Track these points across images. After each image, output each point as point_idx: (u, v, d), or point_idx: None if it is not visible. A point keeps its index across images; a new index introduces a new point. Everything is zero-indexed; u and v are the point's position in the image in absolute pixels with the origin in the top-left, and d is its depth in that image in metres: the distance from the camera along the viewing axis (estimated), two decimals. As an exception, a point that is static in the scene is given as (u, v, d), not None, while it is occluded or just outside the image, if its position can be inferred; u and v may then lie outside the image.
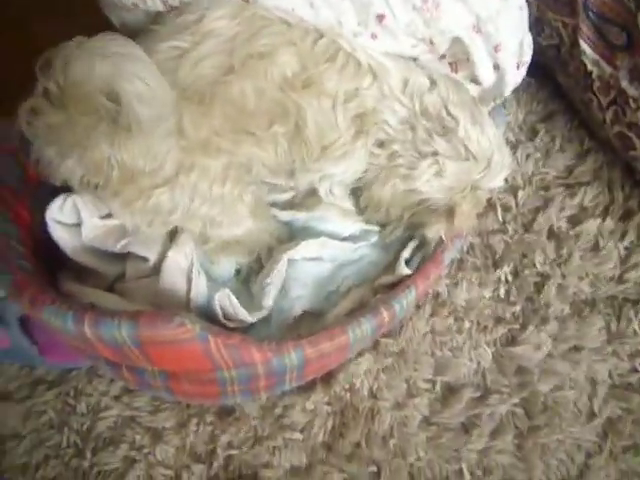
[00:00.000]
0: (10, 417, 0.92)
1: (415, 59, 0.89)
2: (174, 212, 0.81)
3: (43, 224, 0.88)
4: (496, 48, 0.85)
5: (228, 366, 0.76)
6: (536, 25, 1.05)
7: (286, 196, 0.99)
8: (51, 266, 0.89)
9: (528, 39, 0.89)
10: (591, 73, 0.98)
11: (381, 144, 0.87)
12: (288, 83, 0.79)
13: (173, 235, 0.89)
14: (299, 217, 0.96)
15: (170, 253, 0.83)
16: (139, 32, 0.85)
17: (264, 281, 0.87)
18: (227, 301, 0.83)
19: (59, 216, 0.84)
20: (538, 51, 1.10)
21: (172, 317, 0.69)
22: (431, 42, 0.84)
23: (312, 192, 0.97)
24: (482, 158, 0.85)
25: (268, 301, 0.86)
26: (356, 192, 0.95)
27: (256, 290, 0.90)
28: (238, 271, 0.97)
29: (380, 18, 0.81)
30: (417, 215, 0.89)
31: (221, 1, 0.80)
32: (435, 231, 0.88)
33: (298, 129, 0.82)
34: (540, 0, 1.02)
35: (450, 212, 0.86)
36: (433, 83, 0.86)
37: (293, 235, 0.98)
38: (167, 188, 0.78)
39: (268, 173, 0.90)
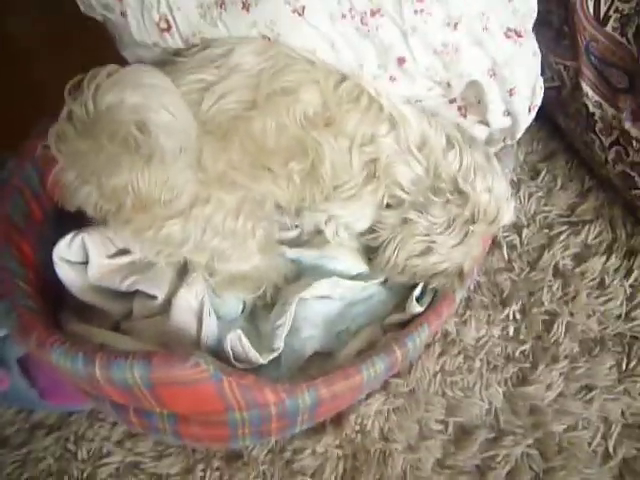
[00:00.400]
0: (6, 464, 0.89)
1: (421, 101, 0.91)
2: (185, 244, 0.80)
3: (47, 262, 0.87)
4: (510, 92, 0.86)
5: (240, 407, 0.74)
6: (536, 68, 1.08)
7: (293, 234, 0.99)
8: (54, 305, 0.87)
9: (540, 83, 0.91)
10: (593, 114, 1.00)
11: (393, 204, 0.88)
12: (310, 121, 0.79)
13: (182, 273, 0.88)
14: (307, 255, 0.95)
15: (181, 291, 0.82)
16: (160, 64, 0.85)
17: (275, 322, 0.86)
18: (238, 342, 0.81)
19: (66, 254, 0.83)
20: (538, 93, 1.13)
21: (187, 357, 0.68)
22: (448, 85, 0.85)
23: (319, 231, 0.97)
24: (491, 217, 0.87)
25: (279, 343, 0.84)
26: (368, 252, 0.95)
27: (266, 330, 0.88)
28: (243, 309, 0.95)
29: (400, 61, 0.81)
30: (432, 278, 0.90)
31: (248, 38, 0.80)
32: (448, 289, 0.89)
33: (314, 167, 0.82)
34: (542, 43, 1.04)
35: (461, 272, 0.88)
36: (449, 143, 0.86)
37: (300, 273, 0.97)
38: (180, 220, 0.77)
39: (278, 210, 0.89)
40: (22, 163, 0.88)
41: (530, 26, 0.86)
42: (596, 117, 1.00)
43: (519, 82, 0.86)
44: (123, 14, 0.83)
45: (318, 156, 0.81)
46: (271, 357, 0.84)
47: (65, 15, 0.92)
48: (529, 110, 0.91)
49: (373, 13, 0.78)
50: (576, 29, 0.96)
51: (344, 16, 0.79)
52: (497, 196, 0.87)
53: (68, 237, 0.82)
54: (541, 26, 1.03)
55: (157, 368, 0.67)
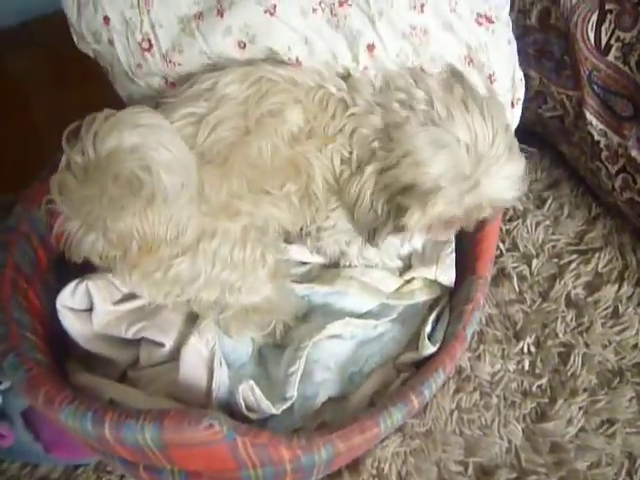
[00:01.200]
0: (11, 523, 0.85)
1: None
2: (195, 281, 0.79)
3: (51, 310, 0.85)
4: (490, 78, 0.85)
5: (254, 465, 0.71)
6: (537, 97, 1.08)
7: (303, 270, 0.97)
8: (59, 354, 0.85)
9: (519, 74, 0.89)
10: (598, 143, 1.00)
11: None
12: (295, 138, 0.80)
13: (190, 319, 0.86)
14: (317, 291, 0.94)
15: (192, 340, 0.80)
16: (145, 102, 0.86)
17: (288, 369, 0.84)
18: (250, 393, 0.79)
19: (70, 302, 0.81)
20: (540, 122, 1.13)
21: (200, 418, 0.65)
22: (422, 70, 0.84)
23: (333, 264, 0.96)
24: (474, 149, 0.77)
25: (292, 391, 0.82)
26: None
27: (277, 375, 0.86)
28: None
29: (370, 48, 0.82)
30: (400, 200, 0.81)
31: (228, 69, 0.82)
32: (413, 219, 0.79)
33: (307, 186, 0.83)
34: (543, 74, 1.04)
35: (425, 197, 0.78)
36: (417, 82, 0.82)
37: (310, 311, 0.95)
38: (187, 256, 0.76)
39: (283, 233, 0.89)
40: (29, 208, 0.87)
41: (504, 14, 0.85)
42: (601, 145, 1.00)
43: (497, 68, 0.84)
44: (110, 41, 0.86)
45: (309, 174, 0.81)
46: (284, 407, 0.81)
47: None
48: (512, 105, 0.89)
49: (341, 3, 0.80)
50: (577, 59, 0.97)
51: (314, 10, 0.80)
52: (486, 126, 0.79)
53: (72, 284, 0.81)
54: (541, 57, 1.05)
55: (169, 430, 0.64)
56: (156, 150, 0.68)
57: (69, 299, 0.81)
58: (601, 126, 0.99)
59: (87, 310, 0.85)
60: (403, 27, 0.81)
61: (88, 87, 1.00)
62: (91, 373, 0.84)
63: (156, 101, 0.86)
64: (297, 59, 0.83)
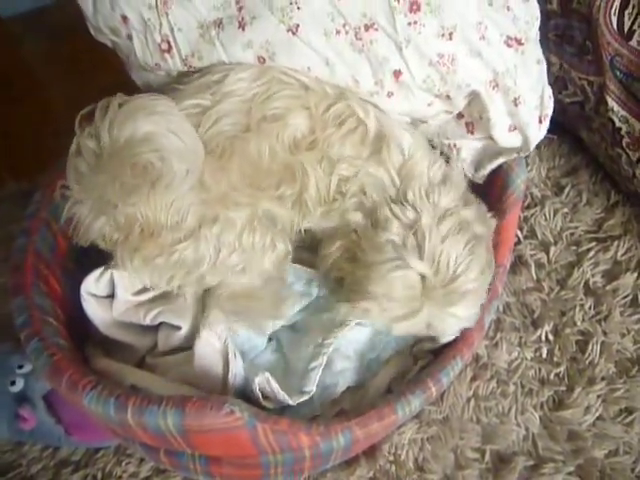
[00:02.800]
0: (33, 504, 0.87)
1: (426, 122, 0.89)
2: (200, 265, 0.79)
3: (70, 296, 0.86)
4: (515, 102, 0.84)
5: (274, 451, 0.72)
6: (558, 83, 1.07)
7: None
8: (79, 339, 0.86)
9: (548, 92, 0.89)
10: (620, 129, 0.98)
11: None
12: (296, 145, 0.80)
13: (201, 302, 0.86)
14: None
15: (203, 334, 0.80)
16: (163, 91, 0.86)
17: (309, 364, 0.83)
18: (267, 384, 0.79)
19: (94, 289, 0.81)
20: (559, 109, 1.11)
21: (221, 404, 0.65)
22: (448, 97, 0.84)
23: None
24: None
25: (312, 386, 0.82)
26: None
27: (297, 367, 0.85)
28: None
29: (396, 75, 0.81)
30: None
31: (243, 64, 0.82)
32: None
33: (300, 192, 0.82)
34: (564, 59, 1.03)
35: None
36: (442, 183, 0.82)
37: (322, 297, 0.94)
38: (190, 242, 0.77)
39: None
40: (48, 194, 0.87)
41: (533, 33, 0.85)
42: (623, 132, 0.98)
43: (524, 91, 0.84)
44: (129, 37, 0.85)
45: (303, 182, 0.81)
46: (301, 400, 0.81)
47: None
48: (539, 121, 0.88)
49: (367, 28, 0.78)
50: (599, 44, 0.95)
51: (338, 32, 0.79)
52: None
53: (97, 272, 0.81)
54: (562, 42, 1.03)
55: (190, 416, 0.65)
56: (167, 137, 0.68)
57: (93, 286, 0.82)
58: (623, 112, 0.97)
59: (108, 297, 0.86)
60: (430, 55, 0.80)
61: (103, 73, 1.00)
62: (110, 358, 0.85)
63: (169, 88, 0.86)
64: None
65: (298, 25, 0.78)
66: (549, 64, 0.98)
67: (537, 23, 0.85)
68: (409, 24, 0.77)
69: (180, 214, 0.75)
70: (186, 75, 0.87)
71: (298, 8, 0.78)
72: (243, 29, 0.80)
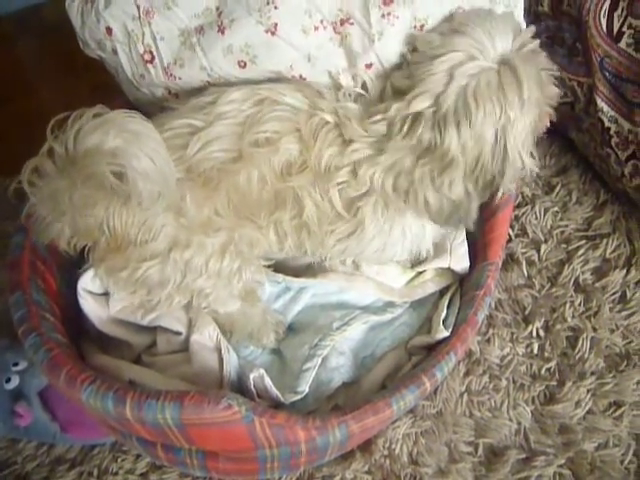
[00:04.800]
0: (28, 502, 0.87)
1: None
2: (164, 286, 0.79)
3: (66, 292, 0.86)
4: None
5: (271, 445, 0.73)
6: (548, 84, 1.08)
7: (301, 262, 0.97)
8: (75, 335, 0.86)
9: None
10: (609, 129, 1.00)
11: None
12: (287, 170, 0.78)
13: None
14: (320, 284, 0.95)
15: (194, 337, 0.82)
16: (151, 107, 0.89)
17: (303, 365, 0.85)
18: (261, 381, 0.80)
19: (90, 286, 0.82)
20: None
21: (219, 399, 0.66)
22: None
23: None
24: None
25: (304, 387, 0.83)
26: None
27: (292, 366, 0.87)
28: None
29: (368, 67, 0.80)
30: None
31: (236, 85, 0.81)
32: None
33: (299, 216, 0.81)
34: (554, 61, 1.04)
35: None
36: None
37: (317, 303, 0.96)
38: (157, 262, 0.76)
39: (271, 252, 0.87)
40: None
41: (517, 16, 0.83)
42: (612, 132, 1.00)
43: None
44: (114, 51, 0.85)
45: (300, 206, 0.79)
46: (294, 399, 0.82)
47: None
48: None
49: (343, 22, 0.79)
50: (589, 46, 0.97)
51: (316, 28, 0.79)
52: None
53: (93, 269, 0.81)
54: (553, 43, 1.05)
55: (188, 410, 0.66)
56: (137, 158, 0.66)
57: (90, 283, 0.83)
58: (612, 112, 0.99)
59: (104, 294, 0.86)
60: (401, 47, 0.79)
61: (96, 73, 1.00)
62: (106, 355, 0.86)
63: (161, 107, 0.86)
64: (301, 76, 0.82)
65: (276, 24, 0.78)
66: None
67: (520, 4, 0.84)
68: (382, 16, 0.77)
69: (151, 233, 0.74)
70: (174, 99, 0.88)
71: (275, 7, 0.78)
72: (223, 33, 0.80)
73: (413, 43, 0.77)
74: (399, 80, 0.75)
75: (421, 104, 0.71)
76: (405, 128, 0.72)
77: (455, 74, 0.69)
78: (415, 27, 0.78)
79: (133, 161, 0.66)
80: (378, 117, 0.74)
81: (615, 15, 0.94)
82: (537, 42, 0.74)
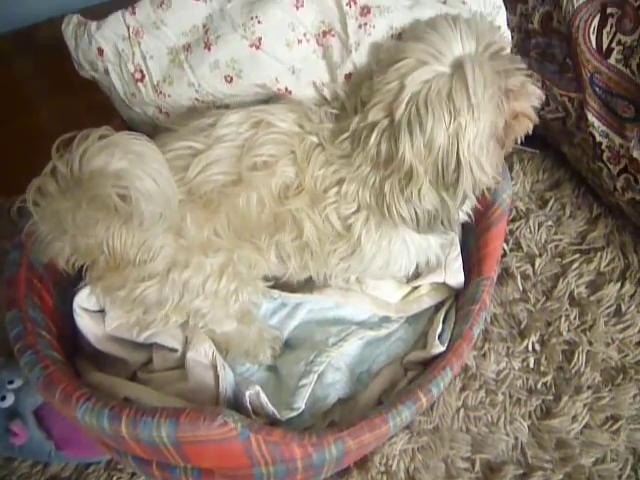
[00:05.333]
0: (23, 521, 0.86)
1: None
2: (162, 306, 0.79)
3: (62, 309, 0.86)
4: None
5: (267, 462, 0.73)
6: (540, 99, 1.10)
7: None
8: (70, 353, 0.86)
9: None
10: (600, 144, 1.01)
11: None
12: (284, 193, 0.78)
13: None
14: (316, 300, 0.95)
15: (189, 355, 0.82)
16: (144, 126, 0.90)
17: (299, 381, 0.85)
18: (256, 398, 0.80)
19: (86, 303, 0.82)
20: (542, 124, 1.14)
21: (214, 416, 0.66)
22: None
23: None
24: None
25: (301, 403, 0.83)
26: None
27: (288, 383, 0.87)
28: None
29: (347, 77, 0.82)
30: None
31: (234, 108, 0.82)
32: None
33: (300, 237, 0.81)
34: (545, 77, 1.06)
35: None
36: None
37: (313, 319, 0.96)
38: (155, 282, 0.77)
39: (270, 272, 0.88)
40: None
41: (498, 23, 0.84)
42: (603, 146, 1.01)
43: None
44: (106, 71, 0.87)
45: (299, 228, 0.80)
46: (290, 416, 0.82)
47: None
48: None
49: (325, 33, 0.80)
50: (579, 62, 0.98)
51: (300, 41, 0.81)
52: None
53: (89, 287, 0.81)
54: (544, 60, 1.06)
55: (184, 427, 0.66)
56: (140, 179, 0.67)
57: (85, 300, 0.83)
58: (603, 127, 1.00)
59: (100, 311, 0.86)
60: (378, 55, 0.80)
61: (93, 92, 1.00)
62: (102, 373, 0.86)
63: (153, 126, 0.88)
64: (286, 89, 0.83)
65: (260, 38, 0.80)
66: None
67: (501, 12, 0.84)
68: (359, 26, 0.79)
69: (150, 253, 0.75)
70: (165, 118, 0.89)
71: (259, 22, 0.79)
72: (209, 49, 0.82)
73: (377, 53, 0.77)
74: (364, 93, 0.75)
75: (377, 115, 0.71)
76: (362, 141, 0.73)
77: (406, 82, 0.69)
78: (392, 36, 0.79)
79: (136, 182, 0.66)
80: (345, 135, 0.75)
81: (604, 32, 0.95)
82: (504, 43, 0.72)
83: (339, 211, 0.79)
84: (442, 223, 0.77)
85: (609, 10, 0.94)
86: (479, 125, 0.69)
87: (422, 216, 0.75)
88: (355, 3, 0.79)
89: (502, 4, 0.85)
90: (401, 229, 0.81)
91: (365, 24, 0.79)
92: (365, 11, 0.79)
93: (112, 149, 0.67)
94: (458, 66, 0.68)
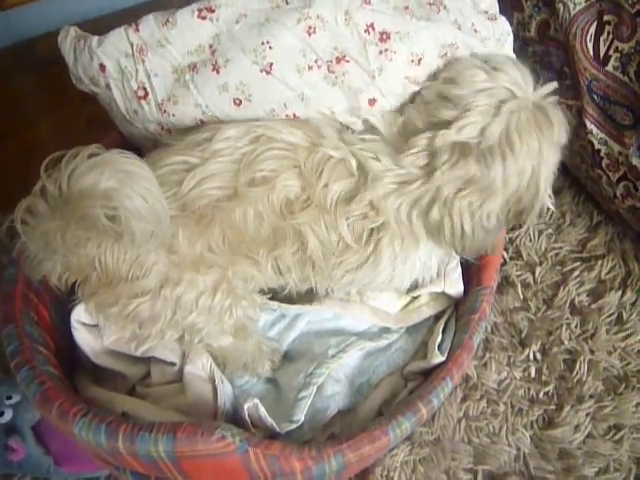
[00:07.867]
0: (21, 539, 0.86)
1: None
2: (155, 322, 0.78)
3: (59, 324, 0.86)
4: None
5: (266, 476, 0.72)
6: (538, 107, 1.10)
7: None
8: (68, 367, 0.85)
9: None
10: (599, 151, 1.01)
11: None
12: (288, 208, 0.77)
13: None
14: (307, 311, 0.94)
15: (187, 368, 0.82)
16: (145, 141, 0.90)
17: (299, 394, 0.84)
18: (255, 411, 0.80)
19: (83, 317, 0.82)
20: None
21: (212, 430, 0.66)
22: None
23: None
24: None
25: (300, 416, 0.82)
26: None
27: (287, 395, 0.86)
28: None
29: (371, 103, 0.81)
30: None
31: (233, 123, 0.81)
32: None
33: (302, 251, 0.80)
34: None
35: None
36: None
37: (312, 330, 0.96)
38: (147, 298, 0.76)
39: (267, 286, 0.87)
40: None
41: (506, 50, 0.86)
42: (602, 154, 1.01)
43: None
44: (107, 86, 0.86)
45: (302, 242, 0.79)
46: (289, 428, 0.82)
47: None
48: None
49: (339, 60, 0.80)
50: (577, 69, 0.98)
51: (311, 67, 0.80)
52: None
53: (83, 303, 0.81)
54: (541, 68, 1.06)
55: (182, 442, 0.65)
56: (130, 198, 0.66)
57: (83, 314, 0.82)
58: (601, 135, 1.00)
59: (98, 325, 0.86)
60: (402, 80, 0.80)
61: (93, 106, 1.00)
62: (100, 387, 0.85)
63: (154, 141, 0.87)
64: (294, 115, 0.83)
65: (272, 64, 0.79)
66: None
67: (510, 39, 0.86)
68: (380, 52, 0.79)
69: (143, 270, 0.74)
70: (167, 134, 0.88)
71: (270, 47, 0.79)
72: (217, 72, 0.81)
73: (450, 77, 0.78)
74: (420, 114, 0.77)
75: (469, 133, 0.72)
76: (454, 158, 0.73)
77: (502, 108, 0.72)
78: (413, 61, 0.80)
79: (126, 201, 0.66)
80: (415, 150, 0.75)
81: (601, 39, 0.96)
82: (557, 97, 0.78)
83: (360, 223, 0.78)
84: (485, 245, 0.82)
85: (606, 17, 0.94)
86: (553, 159, 0.76)
87: (480, 235, 0.77)
88: (374, 29, 0.78)
89: (510, 30, 0.86)
90: (416, 248, 0.81)
91: (386, 50, 0.79)
92: (385, 37, 0.78)
93: (101, 168, 0.66)
94: (537, 105, 0.74)
